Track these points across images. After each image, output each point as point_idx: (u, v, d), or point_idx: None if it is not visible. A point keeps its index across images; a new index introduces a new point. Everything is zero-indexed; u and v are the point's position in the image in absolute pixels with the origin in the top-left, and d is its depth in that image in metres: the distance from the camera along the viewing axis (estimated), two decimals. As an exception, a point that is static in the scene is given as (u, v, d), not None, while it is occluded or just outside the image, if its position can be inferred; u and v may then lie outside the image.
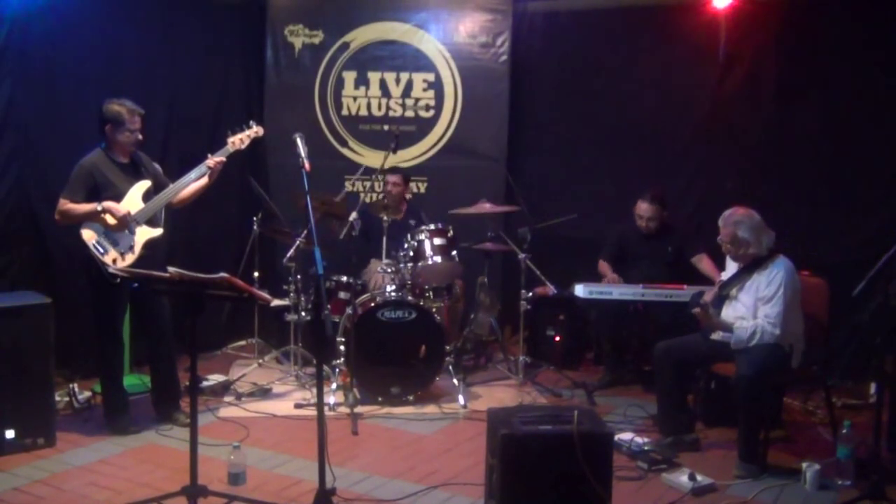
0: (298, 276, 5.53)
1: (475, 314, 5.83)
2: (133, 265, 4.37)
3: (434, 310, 5.25)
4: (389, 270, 5.30)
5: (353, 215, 5.24)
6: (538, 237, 5.67)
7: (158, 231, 4.59)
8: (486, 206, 5.65)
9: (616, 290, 5.33)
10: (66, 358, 4.93)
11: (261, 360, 5.83)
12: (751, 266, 4.38)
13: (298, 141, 3.76)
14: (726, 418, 4.57)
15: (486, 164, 6.56)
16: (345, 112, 6.55)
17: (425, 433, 4.72)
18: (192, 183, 4.63)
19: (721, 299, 4.49)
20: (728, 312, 4.45)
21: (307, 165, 3.71)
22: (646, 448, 4.21)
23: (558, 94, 6.61)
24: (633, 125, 6.35)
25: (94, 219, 4.41)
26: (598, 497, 3.33)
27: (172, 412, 4.71)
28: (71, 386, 4.93)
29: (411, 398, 5.13)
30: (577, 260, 6.00)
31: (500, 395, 5.40)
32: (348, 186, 6.48)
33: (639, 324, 5.60)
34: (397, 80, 6.54)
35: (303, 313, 5.56)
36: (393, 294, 5.21)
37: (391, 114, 6.55)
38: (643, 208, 5.57)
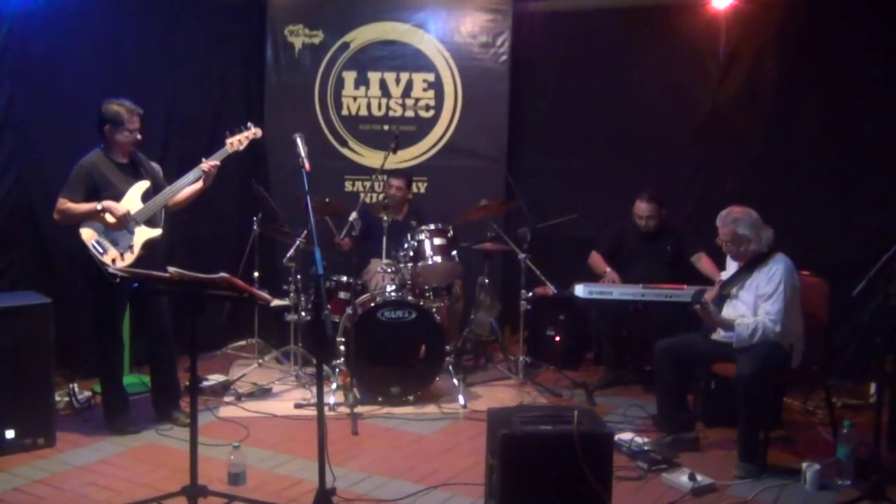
0: (298, 276, 5.53)
1: (475, 314, 5.83)
2: (132, 265, 4.37)
3: (434, 310, 5.26)
4: (389, 270, 5.30)
5: (353, 215, 5.24)
6: (538, 237, 5.67)
7: (157, 231, 4.59)
8: (483, 203, 5.69)
9: (616, 290, 5.33)
10: (66, 358, 4.92)
11: (261, 360, 5.83)
12: (751, 264, 4.39)
13: (298, 141, 3.76)
14: (726, 418, 4.57)
15: (486, 164, 6.56)
16: (345, 112, 6.55)
17: (425, 433, 4.71)
18: (188, 186, 4.63)
19: (722, 298, 4.50)
20: (729, 311, 4.45)
21: (307, 165, 3.71)
22: (646, 448, 4.21)
23: (558, 94, 6.61)
24: (633, 125, 6.35)
25: (93, 218, 4.41)
26: (598, 497, 3.33)
27: (172, 412, 4.71)
28: (71, 386, 4.93)
29: (411, 398, 5.13)
30: (577, 260, 5.99)
31: (500, 395, 5.40)
32: (349, 186, 6.49)
33: (639, 324, 5.60)
34: (397, 80, 6.54)
35: (303, 313, 5.56)
36: (393, 294, 5.21)
37: (391, 114, 6.55)
38: (641, 208, 5.58)
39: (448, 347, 5.33)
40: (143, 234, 4.52)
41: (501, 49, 6.53)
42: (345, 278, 5.56)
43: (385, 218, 5.38)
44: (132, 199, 4.52)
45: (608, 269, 5.59)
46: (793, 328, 4.30)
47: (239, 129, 4.73)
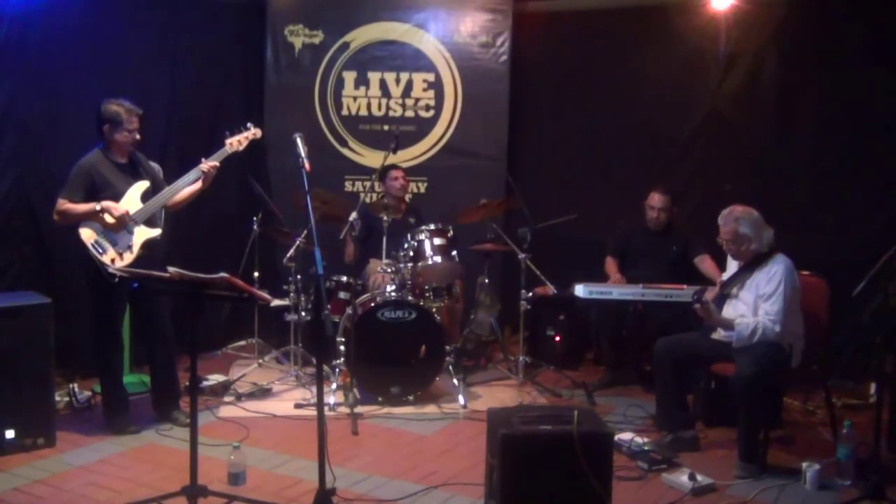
0: (298, 276, 5.53)
1: (475, 314, 5.83)
2: (131, 265, 4.37)
3: (434, 310, 5.25)
4: (389, 270, 5.30)
5: (353, 215, 5.24)
6: (538, 237, 5.68)
7: (157, 231, 4.59)
8: (483, 202, 5.69)
9: (616, 290, 5.32)
10: (66, 358, 4.91)
11: (261, 360, 5.83)
12: (751, 264, 4.38)
13: (298, 141, 3.75)
14: (726, 418, 4.57)
15: (486, 164, 6.56)
16: (345, 112, 6.55)
17: (425, 433, 4.71)
18: (187, 187, 4.63)
19: (722, 298, 4.50)
20: (729, 311, 4.45)
21: (307, 165, 3.70)
22: (646, 448, 4.21)
23: (558, 94, 6.61)
24: (633, 125, 6.36)
25: (92, 218, 4.41)
26: (598, 497, 3.32)
27: (172, 412, 4.71)
28: (71, 386, 4.93)
29: (411, 398, 5.13)
30: (577, 260, 6.00)
31: (500, 395, 5.40)
32: (349, 186, 6.49)
33: (639, 324, 5.61)
34: (397, 80, 6.54)
35: (303, 313, 5.56)
36: (393, 294, 5.21)
37: (391, 114, 6.55)
38: (656, 199, 5.59)
39: (448, 347, 5.32)
40: (143, 234, 4.52)
41: (501, 49, 6.53)
42: (345, 278, 5.56)
43: (385, 218, 5.38)
44: (131, 200, 4.51)
45: (614, 276, 5.60)
46: (793, 328, 4.29)
47: (239, 129, 4.73)
